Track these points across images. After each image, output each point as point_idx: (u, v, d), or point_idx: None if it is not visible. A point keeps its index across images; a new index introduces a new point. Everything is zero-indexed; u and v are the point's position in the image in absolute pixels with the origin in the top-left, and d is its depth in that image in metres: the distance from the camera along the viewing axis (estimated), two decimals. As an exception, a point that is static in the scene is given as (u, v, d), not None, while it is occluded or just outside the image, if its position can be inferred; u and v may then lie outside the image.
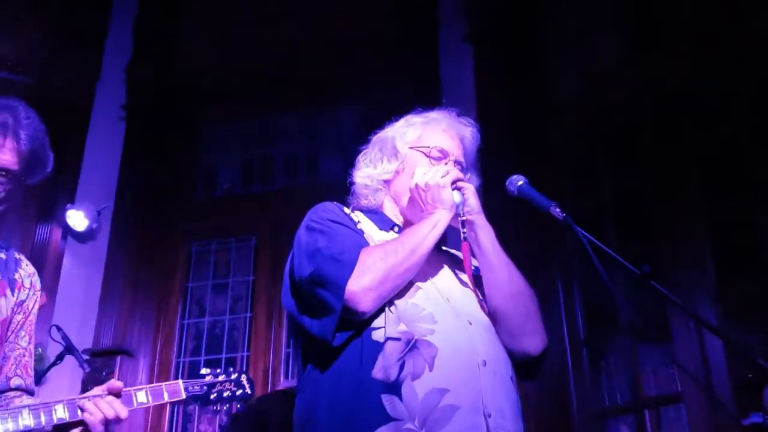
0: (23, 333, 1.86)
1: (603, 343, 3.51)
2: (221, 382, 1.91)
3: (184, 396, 1.83)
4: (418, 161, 1.72)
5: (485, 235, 1.64)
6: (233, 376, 1.94)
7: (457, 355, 1.44)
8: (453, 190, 1.62)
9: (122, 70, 4.85)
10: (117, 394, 1.67)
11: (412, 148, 1.75)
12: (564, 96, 3.83)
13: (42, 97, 4.44)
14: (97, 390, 1.68)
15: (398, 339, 1.43)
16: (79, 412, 1.64)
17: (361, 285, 1.43)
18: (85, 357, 3.54)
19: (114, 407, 1.64)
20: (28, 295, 1.89)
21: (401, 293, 1.51)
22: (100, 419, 1.63)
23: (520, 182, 1.68)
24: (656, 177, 3.33)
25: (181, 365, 4.31)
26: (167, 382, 1.83)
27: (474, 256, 1.66)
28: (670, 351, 3.07)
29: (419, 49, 4.39)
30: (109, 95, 4.79)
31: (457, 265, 1.72)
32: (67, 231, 4.35)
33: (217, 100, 4.78)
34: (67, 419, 1.63)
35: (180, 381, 1.84)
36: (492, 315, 1.60)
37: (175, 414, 4.18)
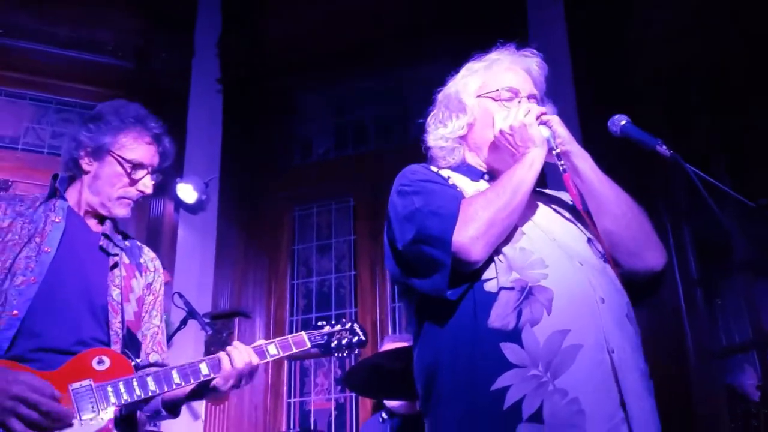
0: (155, 312, 2.06)
1: (717, 281, 3.38)
2: (338, 332, 2.10)
3: (309, 345, 2.01)
4: (490, 108, 1.68)
5: (583, 161, 1.60)
6: (347, 326, 2.13)
7: (574, 295, 1.42)
8: (539, 125, 1.58)
9: (214, 44, 5.01)
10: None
11: (479, 96, 1.71)
12: (656, 35, 3.65)
13: (142, 80, 4.69)
14: (229, 348, 1.86)
15: (512, 288, 1.43)
16: (226, 358, 1.82)
17: (468, 235, 1.43)
18: (206, 320, 3.76)
19: (248, 352, 1.84)
20: (153, 277, 2.09)
21: (507, 239, 1.50)
22: (237, 360, 1.81)
23: (623, 122, 1.61)
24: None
25: (294, 323, 4.51)
26: (292, 335, 2.00)
27: (576, 186, 1.62)
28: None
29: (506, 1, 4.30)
30: (204, 70, 4.96)
31: (555, 202, 1.70)
32: (179, 204, 4.56)
33: (307, 67, 4.85)
34: (211, 375, 1.81)
35: (303, 333, 2.03)
36: (608, 239, 1.57)
37: (293, 369, 4.40)
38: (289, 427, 4.18)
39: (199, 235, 4.62)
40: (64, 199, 1.94)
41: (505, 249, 1.48)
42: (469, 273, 1.46)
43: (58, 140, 4.52)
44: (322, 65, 4.82)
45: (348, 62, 4.76)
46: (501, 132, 1.60)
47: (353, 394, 4.15)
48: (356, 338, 2.12)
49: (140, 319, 1.98)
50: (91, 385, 1.68)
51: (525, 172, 1.53)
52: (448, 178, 1.65)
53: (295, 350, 1.97)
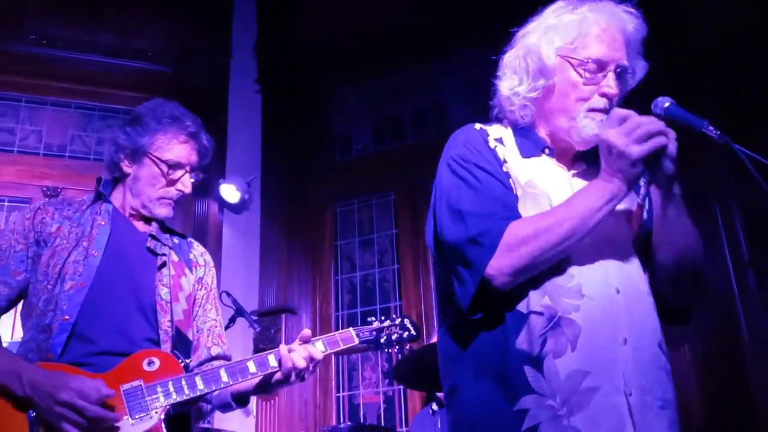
0: (209, 306, 2.06)
1: (770, 262, 3.28)
2: (388, 327, 2.06)
3: (356, 341, 1.98)
4: (572, 77, 1.48)
5: (671, 205, 1.42)
6: (397, 321, 2.08)
7: (600, 334, 1.36)
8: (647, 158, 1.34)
9: (251, 45, 5.06)
10: (307, 340, 1.86)
11: (562, 57, 1.50)
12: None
13: (182, 83, 4.76)
14: (294, 344, 1.86)
15: (541, 314, 1.36)
16: (287, 354, 1.81)
17: (502, 270, 1.35)
18: (254, 318, 3.81)
19: (308, 349, 1.84)
20: (204, 271, 2.08)
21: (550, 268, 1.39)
22: (298, 356, 1.81)
23: (667, 104, 1.47)
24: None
25: (340, 318, 4.55)
26: (340, 331, 1.98)
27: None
28: None
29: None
30: (242, 71, 5.02)
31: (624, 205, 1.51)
32: (222, 204, 4.64)
33: (343, 64, 4.89)
34: (258, 373, 1.82)
35: (351, 329, 1.99)
36: (652, 266, 1.49)
37: (341, 364, 4.43)
38: (339, 421, 4.22)
39: (243, 234, 4.69)
40: (109, 202, 1.96)
41: (545, 270, 1.38)
42: (492, 296, 1.39)
43: (103, 147, 4.63)
44: (358, 61, 4.84)
45: (383, 57, 4.77)
46: (606, 140, 1.36)
47: (401, 387, 4.16)
48: (406, 333, 2.08)
49: (190, 317, 1.98)
50: (141, 385, 1.72)
51: (599, 205, 1.36)
52: (504, 161, 1.51)
53: (342, 347, 1.95)
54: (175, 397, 1.73)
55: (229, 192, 4.55)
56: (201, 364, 1.98)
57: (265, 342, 4.31)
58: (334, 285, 4.61)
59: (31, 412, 1.64)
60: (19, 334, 1.94)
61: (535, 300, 1.37)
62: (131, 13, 4.78)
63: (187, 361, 1.89)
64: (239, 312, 3.61)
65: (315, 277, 4.61)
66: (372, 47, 4.75)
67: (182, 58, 4.87)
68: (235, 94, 4.97)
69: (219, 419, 3.75)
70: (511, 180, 1.48)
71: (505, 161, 1.51)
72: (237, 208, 4.69)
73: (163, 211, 1.96)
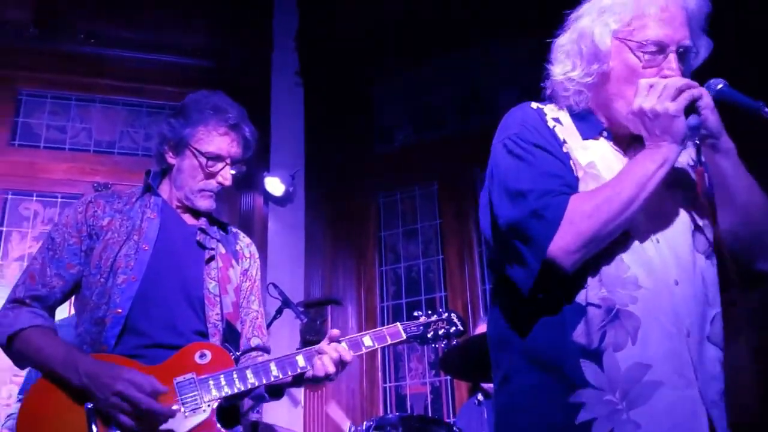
0: (253, 297, 2.09)
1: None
2: (434, 322, 2.05)
3: (404, 337, 1.98)
4: (630, 60, 1.42)
5: (726, 159, 1.39)
6: (444, 315, 2.07)
7: (661, 327, 1.33)
8: (688, 113, 1.34)
9: (292, 38, 5.08)
10: (336, 340, 1.85)
11: (619, 39, 1.44)
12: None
13: (224, 78, 4.80)
14: (323, 343, 1.86)
15: (599, 306, 1.34)
16: (318, 358, 1.83)
17: (566, 247, 1.32)
18: (300, 309, 3.84)
19: (339, 350, 1.83)
20: (249, 263, 2.11)
21: (609, 255, 1.36)
22: (328, 361, 1.81)
23: (720, 85, 1.43)
24: None
25: (385, 309, 4.56)
26: (387, 326, 1.98)
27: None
28: None
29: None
30: (283, 64, 5.04)
31: (677, 178, 1.48)
32: (267, 197, 4.68)
33: (384, 54, 4.87)
34: (308, 367, 1.84)
35: (398, 324, 1.99)
36: (725, 233, 1.45)
37: (387, 355, 4.44)
38: (386, 412, 4.23)
39: (288, 226, 4.73)
40: (158, 195, 1.99)
41: (601, 259, 1.36)
42: (555, 278, 1.37)
43: (151, 142, 4.72)
44: (398, 51, 4.82)
45: (423, 47, 4.73)
46: (640, 110, 1.36)
47: (448, 378, 4.15)
48: (453, 328, 2.07)
49: (238, 309, 2.00)
50: (194, 378, 1.75)
51: (651, 172, 1.34)
52: (564, 141, 1.46)
53: (390, 342, 1.95)
54: (226, 390, 1.75)
55: (274, 185, 4.59)
56: (241, 354, 2.01)
57: (311, 333, 4.35)
58: (379, 276, 4.62)
59: (88, 404, 1.69)
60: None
61: (593, 291, 1.35)
62: (174, 9, 4.84)
63: (238, 353, 1.92)
64: (286, 303, 3.64)
65: (359, 269, 4.63)
66: (412, 37, 4.71)
67: (225, 53, 4.91)
68: (277, 88, 5.00)
69: (268, 411, 3.81)
70: (571, 161, 1.44)
71: (564, 142, 1.47)
72: (281, 201, 4.73)
73: (205, 204, 1.97)
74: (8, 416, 3.10)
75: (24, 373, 3.25)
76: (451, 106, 4.82)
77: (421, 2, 4.69)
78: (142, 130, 4.79)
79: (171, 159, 2.00)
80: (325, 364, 1.81)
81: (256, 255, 2.15)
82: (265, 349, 2.07)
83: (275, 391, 1.96)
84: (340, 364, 1.83)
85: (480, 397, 3.26)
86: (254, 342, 2.04)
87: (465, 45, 4.66)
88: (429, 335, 2.03)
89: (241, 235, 2.17)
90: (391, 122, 4.98)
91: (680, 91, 1.34)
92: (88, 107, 4.75)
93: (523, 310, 1.42)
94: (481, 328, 3.27)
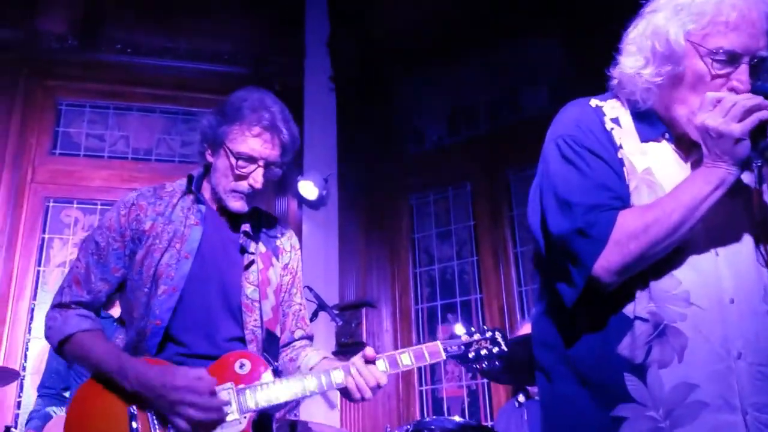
0: (294, 290, 2.06)
1: None
2: (477, 341, 1.93)
3: (444, 357, 1.88)
4: (699, 67, 1.34)
5: None
6: (488, 334, 1.94)
7: (710, 347, 1.28)
8: (756, 137, 1.26)
9: (324, 43, 5.12)
10: (372, 360, 1.80)
11: (691, 42, 1.35)
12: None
13: (258, 83, 4.80)
14: (357, 359, 1.81)
15: (647, 320, 1.30)
16: (352, 381, 1.78)
17: (609, 267, 1.29)
18: (335, 312, 3.85)
19: (375, 375, 1.78)
20: (290, 256, 2.06)
21: (659, 271, 1.32)
22: (364, 386, 1.77)
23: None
24: None
25: (419, 311, 4.55)
26: (427, 344, 1.89)
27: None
28: None
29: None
30: (316, 70, 5.09)
31: (739, 188, 1.40)
32: (301, 201, 4.72)
33: (415, 57, 4.87)
34: (344, 384, 1.79)
35: (439, 342, 1.90)
36: None
37: (422, 357, 4.43)
38: (422, 415, 4.22)
39: (322, 229, 4.76)
40: (201, 201, 1.95)
41: (651, 273, 1.32)
42: (599, 294, 1.33)
43: (187, 149, 4.81)
44: (430, 52, 4.82)
45: (454, 47, 4.72)
46: (702, 125, 1.29)
47: (485, 381, 4.12)
48: (497, 348, 1.93)
49: (278, 312, 1.98)
50: (232, 388, 1.75)
51: (707, 192, 1.28)
52: (620, 146, 1.41)
53: (429, 361, 1.88)
54: (263, 404, 1.75)
55: (307, 188, 4.62)
56: (285, 346, 2.01)
57: (346, 336, 4.36)
58: (413, 278, 4.61)
59: (131, 407, 1.72)
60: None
61: (641, 305, 1.31)
62: (208, 18, 4.93)
63: (277, 364, 1.89)
64: (321, 306, 3.66)
65: (393, 271, 4.63)
66: (443, 38, 4.71)
67: (259, 60, 4.98)
68: (310, 93, 5.04)
69: (305, 412, 3.83)
70: (624, 168, 1.39)
71: (621, 147, 1.41)
72: (315, 204, 4.77)
73: (236, 205, 1.90)
74: (32, 412, 3.16)
75: (42, 370, 3.33)
76: (483, 106, 4.79)
77: (452, 3, 4.69)
78: (178, 137, 4.87)
79: (209, 157, 1.95)
80: (360, 389, 1.78)
81: (297, 246, 2.10)
82: (309, 338, 2.06)
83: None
84: (376, 387, 1.79)
85: (521, 398, 3.21)
86: (298, 334, 2.03)
87: (496, 45, 4.64)
88: (470, 355, 1.92)
89: (282, 226, 2.11)
90: (423, 124, 4.98)
91: (749, 112, 1.26)
92: (125, 116, 4.85)
93: (568, 316, 1.40)
94: (522, 329, 3.24)
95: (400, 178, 4.81)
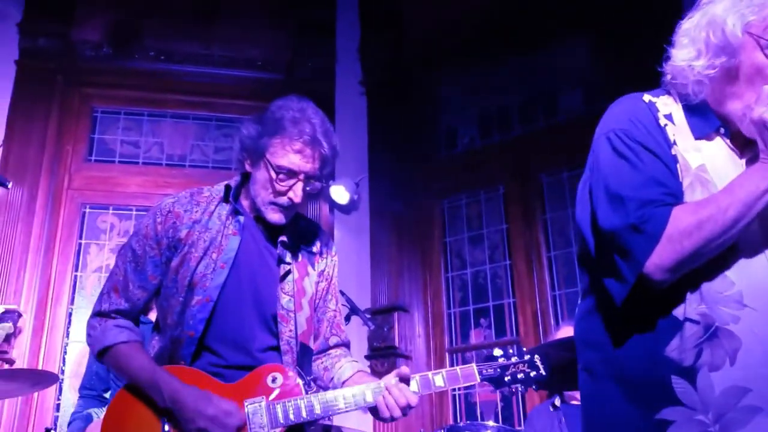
0: (330, 297, 2.06)
1: None
2: (515, 364, 1.86)
3: (478, 380, 1.84)
4: (757, 58, 1.31)
5: None
6: (526, 357, 1.87)
7: (764, 350, 1.25)
8: None
9: (355, 48, 5.14)
10: (406, 380, 1.79)
11: (750, 34, 1.31)
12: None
13: (290, 89, 4.83)
14: (390, 377, 1.80)
15: (697, 322, 1.27)
16: (382, 402, 1.77)
17: (662, 265, 1.26)
18: (367, 316, 3.85)
19: (406, 395, 1.77)
20: (326, 263, 2.06)
21: (711, 273, 1.29)
22: (393, 405, 1.76)
23: None
24: None
25: (452, 315, 4.52)
26: (462, 366, 1.86)
27: None
28: None
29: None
30: (347, 74, 5.10)
31: None
32: (333, 205, 4.74)
33: (446, 60, 4.85)
34: (375, 403, 1.79)
35: (474, 365, 1.85)
36: None
37: (455, 363, 4.40)
38: (455, 420, 4.19)
39: (353, 233, 4.76)
40: (240, 212, 1.94)
41: (702, 274, 1.29)
42: (649, 293, 1.30)
43: (221, 155, 4.86)
44: (460, 55, 4.79)
45: (486, 49, 4.68)
46: (760, 119, 1.27)
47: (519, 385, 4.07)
48: (534, 373, 1.85)
49: (312, 324, 1.98)
50: (263, 404, 1.77)
51: (763, 189, 1.25)
52: (674, 142, 1.37)
53: (462, 383, 1.84)
54: (292, 419, 1.77)
55: (339, 193, 4.63)
56: (319, 353, 2.02)
57: (378, 340, 4.36)
58: (445, 282, 4.59)
59: (165, 425, 1.75)
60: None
61: (692, 306, 1.28)
62: (240, 24, 4.97)
63: (309, 378, 1.90)
64: (353, 311, 3.66)
65: (425, 275, 4.61)
66: (474, 39, 4.68)
67: (291, 65, 5.01)
68: (341, 97, 5.05)
69: (338, 417, 3.82)
70: (678, 165, 1.35)
71: (674, 143, 1.38)
72: (347, 209, 4.77)
73: (274, 217, 1.89)
74: (73, 414, 3.20)
75: (80, 374, 3.37)
76: (515, 108, 4.76)
77: (483, 6, 4.66)
78: (211, 144, 4.93)
79: (249, 167, 1.94)
80: (390, 408, 1.76)
81: (333, 252, 2.10)
82: (345, 344, 2.06)
83: None
84: (407, 407, 1.78)
85: (557, 401, 3.14)
86: (333, 341, 2.04)
87: (528, 47, 4.60)
88: (506, 378, 1.84)
89: (320, 231, 2.11)
90: (455, 126, 4.96)
91: None
92: (159, 122, 4.92)
93: (615, 315, 1.37)
94: (560, 332, 3.19)
95: (431, 182, 4.79)
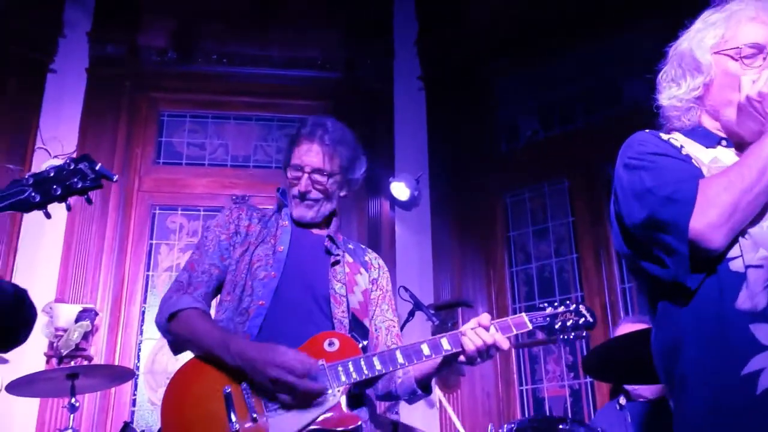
0: (386, 306, 2.17)
1: None
2: (562, 313, 1.98)
3: (530, 327, 1.94)
4: (729, 67, 1.49)
5: None
6: (572, 307, 2.00)
7: None
8: None
9: (412, 44, 5.13)
10: (486, 326, 1.86)
11: (717, 53, 1.51)
12: None
13: (349, 88, 4.94)
14: (470, 323, 1.88)
15: (760, 266, 1.30)
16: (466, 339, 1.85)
17: (707, 221, 1.31)
18: (431, 311, 3.85)
19: (495, 337, 1.85)
20: (379, 273, 2.20)
21: (753, 219, 1.35)
22: (479, 346, 1.83)
23: None
24: None
25: (517, 310, 4.46)
26: (512, 316, 1.95)
27: None
28: None
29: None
30: (405, 70, 5.10)
31: None
32: (394, 202, 4.75)
33: (505, 52, 4.80)
34: (452, 350, 1.86)
35: (524, 314, 1.96)
36: None
37: (521, 357, 4.36)
38: (523, 415, 4.14)
39: (415, 230, 4.77)
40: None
41: (750, 229, 1.34)
42: (709, 258, 1.34)
43: (283, 155, 4.93)
44: (520, 47, 4.73)
45: (546, 41, 4.61)
46: (748, 99, 1.41)
47: (588, 380, 4.01)
48: (583, 320, 1.97)
49: (367, 308, 2.09)
50: (324, 365, 1.82)
51: None
52: (681, 147, 1.49)
53: (515, 332, 1.91)
54: (355, 377, 1.82)
55: (400, 190, 4.64)
56: (365, 351, 2.06)
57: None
58: (509, 277, 4.53)
59: (226, 387, 1.80)
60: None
61: (750, 255, 1.32)
62: (297, 25, 5.04)
63: (364, 342, 1.98)
64: (417, 306, 3.67)
65: (488, 270, 4.56)
66: (534, 32, 4.61)
67: (349, 64, 5.04)
68: (399, 94, 5.06)
69: (405, 413, 3.84)
70: (693, 160, 1.46)
71: (682, 147, 1.50)
72: (407, 205, 4.78)
73: (296, 212, 2.09)
74: None
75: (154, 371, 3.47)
76: (577, 99, 4.66)
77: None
78: (274, 144, 5.01)
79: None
80: (478, 348, 1.82)
81: (385, 267, 2.25)
82: None
83: (425, 385, 2.02)
84: (493, 347, 1.84)
85: (622, 400, 3.10)
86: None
87: (588, 37, 4.51)
88: (556, 326, 1.96)
89: (369, 250, 2.28)
90: (516, 119, 4.89)
91: None
92: (223, 124, 5.03)
93: (682, 312, 1.38)
94: (624, 328, 3.13)
95: (493, 176, 4.74)
